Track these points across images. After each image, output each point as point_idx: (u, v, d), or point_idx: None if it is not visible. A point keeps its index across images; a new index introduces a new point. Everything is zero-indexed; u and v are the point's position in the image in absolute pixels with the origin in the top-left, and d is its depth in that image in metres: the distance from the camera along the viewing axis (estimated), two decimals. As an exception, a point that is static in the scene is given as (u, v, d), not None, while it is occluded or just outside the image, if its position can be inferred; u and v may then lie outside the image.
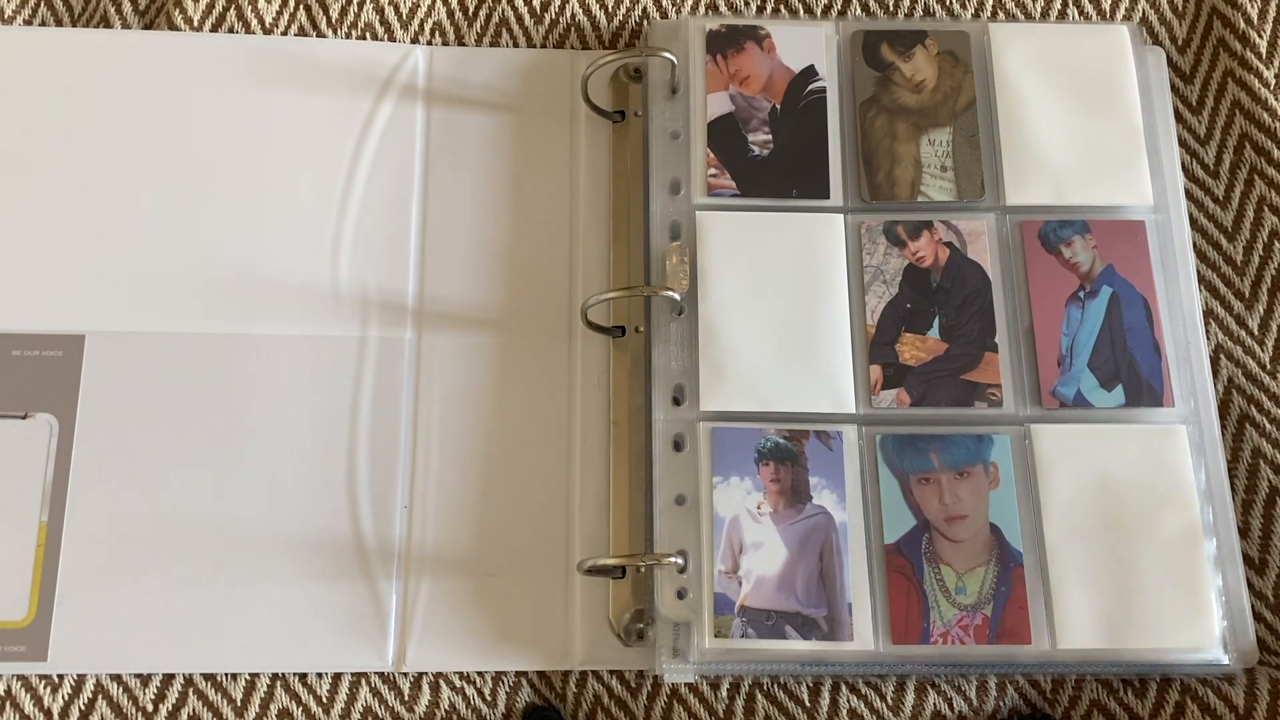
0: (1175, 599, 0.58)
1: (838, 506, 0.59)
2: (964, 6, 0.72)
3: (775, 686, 0.60)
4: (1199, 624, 0.57)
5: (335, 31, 0.70)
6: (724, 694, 0.60)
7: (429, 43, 0.70)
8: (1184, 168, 0.68)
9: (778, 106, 0.65)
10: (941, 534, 0.59)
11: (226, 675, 0.60)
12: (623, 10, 0.71)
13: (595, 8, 0.71)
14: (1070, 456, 0.60)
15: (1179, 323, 0.62)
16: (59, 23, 0.70)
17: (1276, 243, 0.67)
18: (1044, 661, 0.58)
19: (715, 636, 0.57)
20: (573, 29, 0.71)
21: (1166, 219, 0.64)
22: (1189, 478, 0.59)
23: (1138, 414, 0.61)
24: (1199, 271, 0.67)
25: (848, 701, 0.60)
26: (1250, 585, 0.61)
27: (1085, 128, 0.65)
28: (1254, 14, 0.71)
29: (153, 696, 0.59)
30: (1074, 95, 0.66)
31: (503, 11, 0.71)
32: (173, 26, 0.69)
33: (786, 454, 0.59)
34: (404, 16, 0.70)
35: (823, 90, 0.66)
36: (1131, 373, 0.61)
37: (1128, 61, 0.66)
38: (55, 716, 0.59)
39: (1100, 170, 0.64)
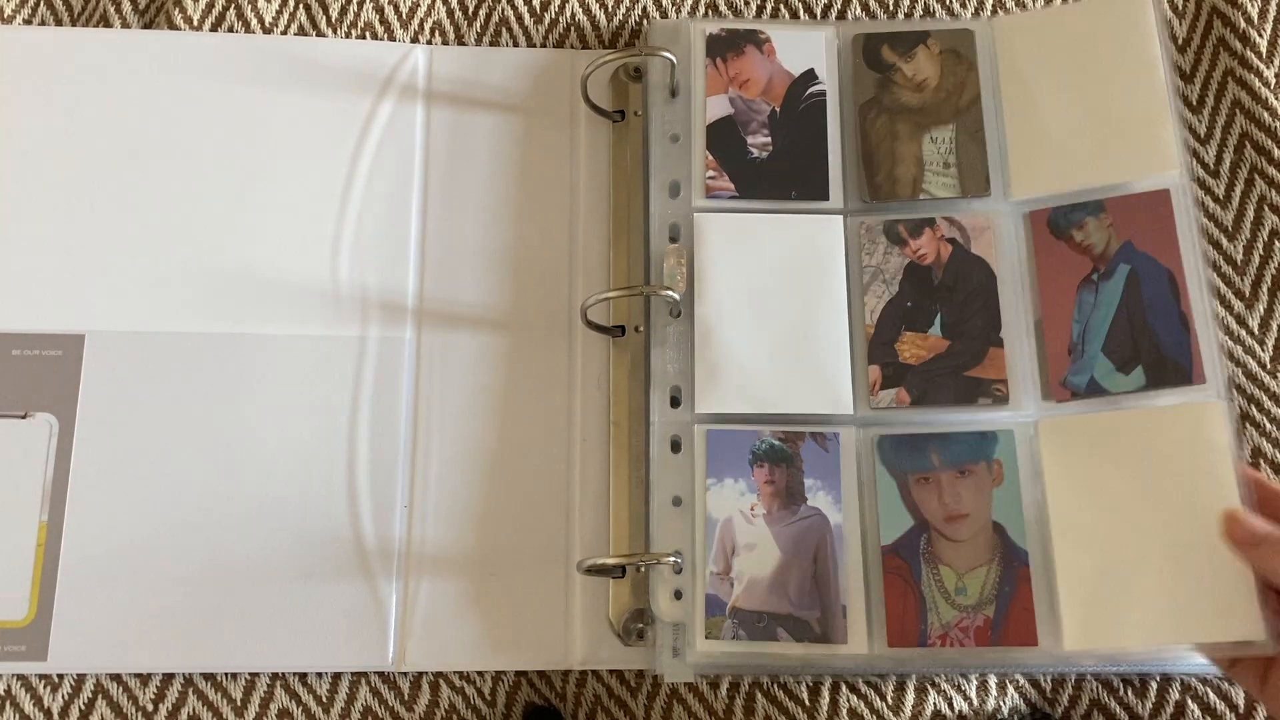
0: (1192, 593, 0.55)
1: (833, 508, 0.59)
2: (964, 5, 0.72)
3: (775, 686, 0.60)
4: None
5: (335, 31, 0.70)
6: (724, 694, 0.60)
7: (429, 42, 0.70)
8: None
9: (777, 109, 0.65)
10: (941, 534, 0.58)
11: (226, 675, 0.60)
12: (623, 10, 0.71)
13: (595, 8, 0.71)
14: (1082, 448, 0.58)
15: (1202, 297, 0.59)
16: (59, 22, 0.70)
17: (1276, 242, 0.67)
18: (1047, 664, 0.57)
19: (706, 638, 0.57)
20: (573, 29, 0.71)
21: (1190, 185, 0.61)
22: (1226, 457, 0.55)
23: (1159, 395, 0.58)
24: (1199, 271, 0.67)
25: (847, 701, 0.60)
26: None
27: (1103, 101, 0.63)
28: (1254, 13, 0.71)
29: (152, 696, 0.60)
30: (1089, 70, 0.64)
31: (503, 11, 0.71)
32: (173, 26, 0.69)
33: (781, 456, 0.59)
34: (404, 16, 0.70)
35: (822, 93, 0.66)
36: (1153, 351, 0.59)
37: (1148, 24, 0.63)
38: (55, 716, 0.59)
39: (1120, 142, 0.62)
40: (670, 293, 0.61)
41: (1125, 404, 0.59)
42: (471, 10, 0.71)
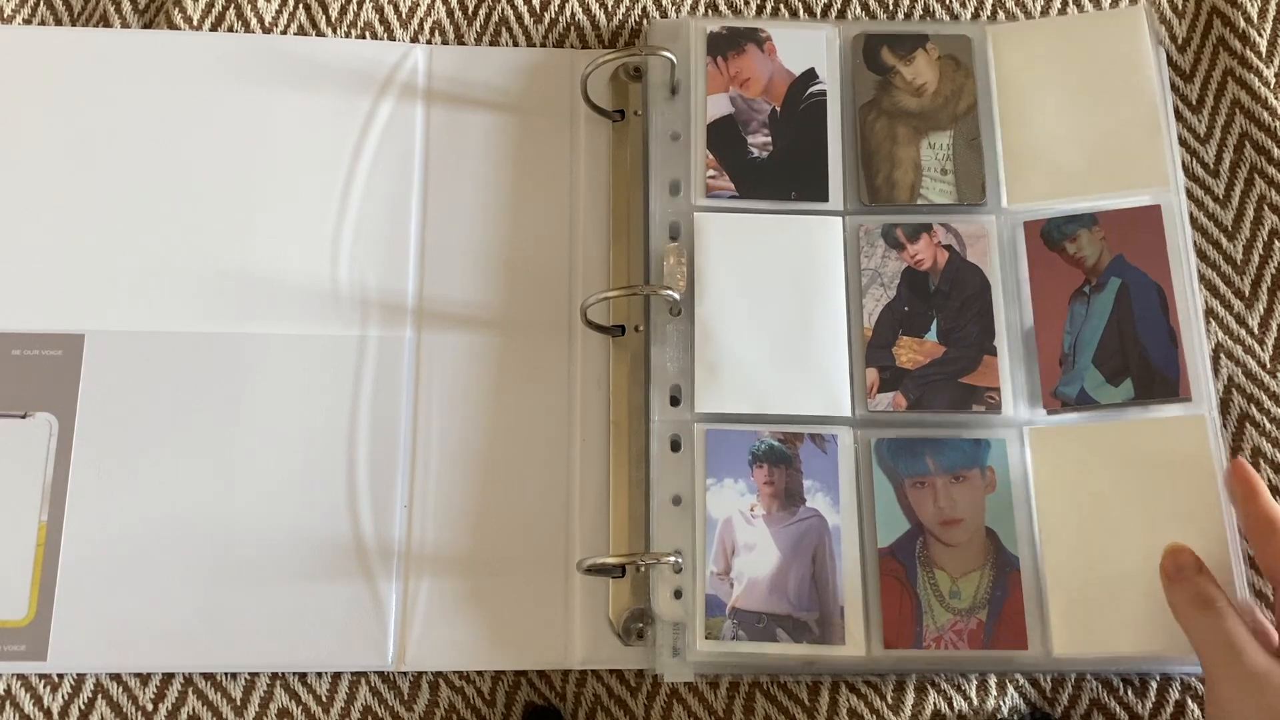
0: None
1: (831, 509, 0.59)
2: (964, 6, 0.72)
3: (775, 686, 0.60)
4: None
5: (335, 31, 0.70)
6: (723, 694, 0.60)
7: (429, 42, 0.70)
8: (1184, 167, 0.68)
9: (777, 109, 0.65)
10: (936, 538, 0.58)
11: (226, 675, 0.60)
12: (622, 10, 0.71)
13: (595, 7, 0.71)
14: (1070, 458, 0.59)
15: (1191, 312, 0.61)
16: (59, 22, 0.70)
17: (1276, 242, 0.67)
18: (1037, 667, 0.57)
19: (706, 638, 0.57)
20: (572, 28, 0.71)
21: (1182, 201, 0.63)
22: (1211, 472, 0.57)
23: (1147, 408, 0.59)
24: (1199, 271, 0.67)
25: (847, 701, 0.60)
26: (1251, 585, 0.61)
27: (1096, 116, 0.64)
28: (1254, 13, 0.71)
29: (152, 696, 0.60)
30: (1083, 84, 0.65)
31: (502, 11, 0.71)
32: (172, 26, 0.69)
33: (780, 456, 0.59)
34: (404, 16, 0.70)
35: (823, 93, 0.66)
36: (1142, 364, 0.60)
37: (1143, 41, 0.65)
38: (55, 716, 0.59)
39: (1113, 157, 0.63)
40: (670, 292, 0.61)
41: (1114, 415, 0.60)
42: (471, 10, 0.71)
